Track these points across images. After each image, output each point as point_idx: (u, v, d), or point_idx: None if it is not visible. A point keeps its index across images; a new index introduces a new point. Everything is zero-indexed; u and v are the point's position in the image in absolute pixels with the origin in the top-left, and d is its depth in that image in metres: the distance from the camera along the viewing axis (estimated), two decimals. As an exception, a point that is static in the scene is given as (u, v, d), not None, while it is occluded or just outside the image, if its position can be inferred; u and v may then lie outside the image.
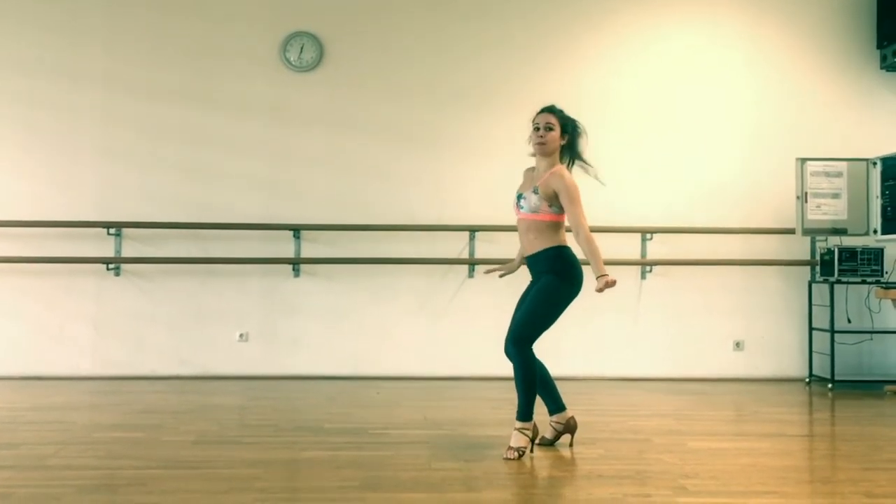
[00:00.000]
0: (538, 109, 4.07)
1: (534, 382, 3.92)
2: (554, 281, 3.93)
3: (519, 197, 4.04)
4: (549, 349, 6.46)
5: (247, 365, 6.36)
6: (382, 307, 6.48)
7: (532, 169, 4.13)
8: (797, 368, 6.58)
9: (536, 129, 4.00)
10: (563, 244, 3.97)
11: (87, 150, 6.41)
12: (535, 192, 3.95)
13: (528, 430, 3.89)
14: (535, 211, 3.95)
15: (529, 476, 3.53)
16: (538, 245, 3.97)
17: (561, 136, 4.00)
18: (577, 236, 3.90)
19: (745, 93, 6.73)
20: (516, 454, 3.82)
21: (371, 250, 6.44)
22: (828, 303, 6.25)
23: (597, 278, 3.83)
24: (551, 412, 4.14)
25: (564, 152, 4.06)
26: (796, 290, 6.63)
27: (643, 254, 6.54)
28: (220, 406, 5.23)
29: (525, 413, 3.90)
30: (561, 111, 4.04)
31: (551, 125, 3.98)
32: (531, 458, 3.85)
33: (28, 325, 6.28)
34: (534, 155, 4.07)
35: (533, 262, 4.02)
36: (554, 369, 6.39)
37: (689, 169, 6.64)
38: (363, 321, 6.46)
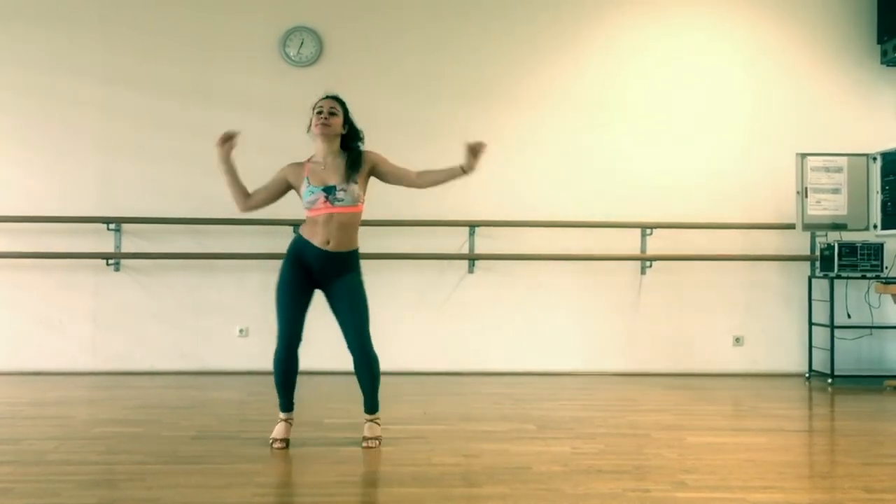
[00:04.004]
0: (321, 96, 4.02)
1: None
2: (360, 277, 4.06)
3: (331, 189, 3.87)
4: (550, 345, 6.51)
5: (246, 360, 6.35)
6: (382, 302, 6.40)
7: (309, 163, 4.00)
8: (797, 363, 6.57)
9: (319, 112, 3.94)
10: None
11: (85, 144, 6.40)
12: (354, 181, 3.91)
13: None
14: (356, 202, 3.93)
15: (528, 471, 3.53)
16: (354, 243, 4.00)
17: (343, 125, 3.98)
18: (417, 177, 4.04)
19: (745, 88, 6.72)
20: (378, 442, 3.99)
21: (370, 245, 6.36)
22: (827, 298, 6.25)
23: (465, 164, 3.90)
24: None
25: (343, 144, 4.01)
26: (796, 286, 6.62)
27: (643, 249, 6.54)
28: (220, 401, 5.23)
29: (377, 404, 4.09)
30: (342, 99, 4.03)
31: (335, 110, 3.95)
32: (529, 454, 3.85)
33: (27, 321, 6.28)
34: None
35: (344, 258, 3.96)
36: (553, 365, 6.45)
37: (689, 164, 6.64)
38: (363, 316, 6.45)
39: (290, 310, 3.95)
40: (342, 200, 3.89)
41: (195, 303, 6.39)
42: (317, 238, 3.92)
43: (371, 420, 4.07)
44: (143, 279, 6.38)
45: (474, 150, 3.86)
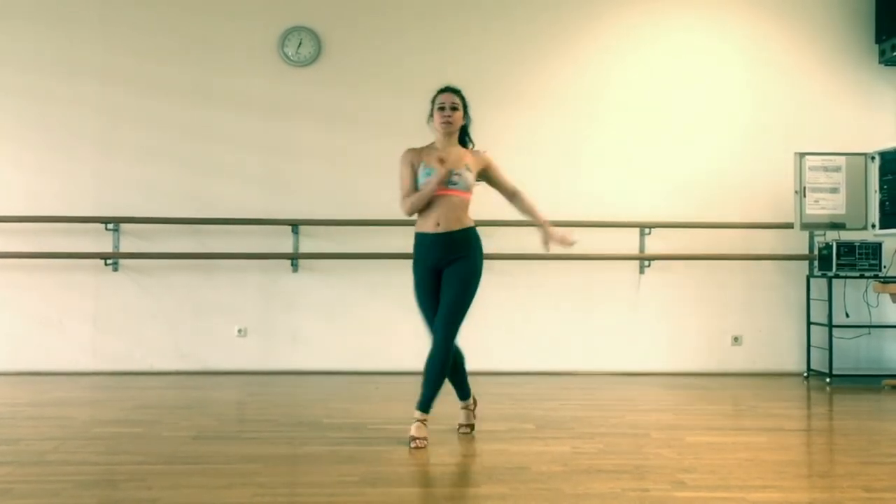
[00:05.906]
0: (439, 89, 4.16)
1: (445, 374, 4.06)
2: (478, 263, 4.05)
3: (449, 174, 3.99)
4: (548, 344, 6.51)
5: (245, 360, 6.36)
6: (381, 302, 6.48)
7: (427, 148, 4.12)
8: (795, 363, 6.59)
9: (441, 108, 4.08)
10: None
11: (84, 144, 6.41)
12: (469, 169, 4.03)
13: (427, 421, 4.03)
14: (468, 189, 4.04)
15: (528, 471, 3.53)
16: (466, 222, 4.04)
17: (463, 117, 4.11)
18: (520, 194, 4.15)
19: (744, 87, 6.73)
20: (425, 443, 3.92)
21: (369, 245, 6.44)
22: (826, 297, 6.26)
23: (544, 226, 4.08)
24: (464, 397, 4.28)
25: (461, 136, 4.17)
26: (794, 285, 6.64)
27: (642, 248, 6.55)
28: (219, 401, 5.24)
29: (430, 404, 4.02)
30: (460, 91, 4.15)
31: (456, 105, 4.09)
32: (529, 454, 3.85)
33: (27, 321, 6.28)
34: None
35: (456, 239, 4.00)
36: (553, 364, 6.46)
37: (688, 164, 6.65)
38: (362, 316, 6.46)
39: (430, 312, 4.08)
40: (456, 184, 3.99)
41: (194, 303, 6.40)
42: (428, 224, 4.00)
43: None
44: (142, 279, 6.38)
45: (556, 238, 4.05)
